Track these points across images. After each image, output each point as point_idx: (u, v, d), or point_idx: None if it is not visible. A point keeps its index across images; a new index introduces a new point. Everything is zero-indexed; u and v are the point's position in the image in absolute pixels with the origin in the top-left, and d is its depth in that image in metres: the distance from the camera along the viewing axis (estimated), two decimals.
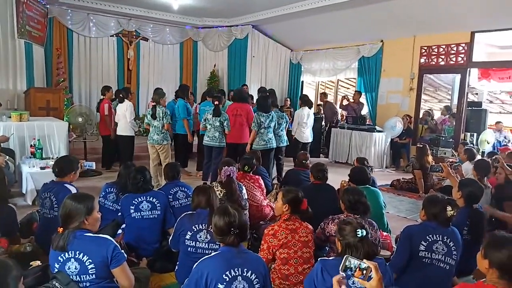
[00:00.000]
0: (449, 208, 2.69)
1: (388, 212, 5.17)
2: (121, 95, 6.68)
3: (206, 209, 2.96)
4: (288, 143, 6.79)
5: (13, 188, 5.22)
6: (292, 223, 2.78)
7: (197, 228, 2.89)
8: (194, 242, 2.87)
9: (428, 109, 9.57)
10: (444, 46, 8.49)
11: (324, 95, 10.66)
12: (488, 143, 8.00)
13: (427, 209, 2.79)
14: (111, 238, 2.33)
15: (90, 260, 2.22)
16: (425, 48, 8.78)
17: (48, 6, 9.20)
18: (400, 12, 8.09)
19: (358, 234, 2.10)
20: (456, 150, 8.03)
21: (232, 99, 7.09)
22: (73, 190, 3.29)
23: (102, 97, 7.49)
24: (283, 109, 9.73)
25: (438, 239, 2.66)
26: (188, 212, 3.05)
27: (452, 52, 8.37)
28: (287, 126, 6.69)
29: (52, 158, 5.45)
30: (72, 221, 2.29)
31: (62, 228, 2.28)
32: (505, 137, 9.17)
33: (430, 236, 2.66)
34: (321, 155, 10.04)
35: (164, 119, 5.87)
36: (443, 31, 8.30)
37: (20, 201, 5.00)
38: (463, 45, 8.18)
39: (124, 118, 6.50)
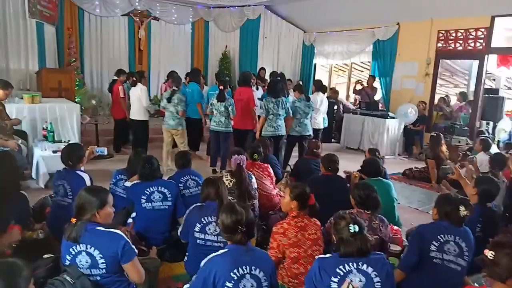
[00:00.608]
0: (462, 208, 2.64)
1: (399, 203, 5.10)
2: (134, 78, 6.63)
3: (215, 201, 2.96)
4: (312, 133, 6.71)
5: (26, 170, 5.28)
6: (301, 220, 2.75)
7: (206, 221, 2.89)
8: (203, 234, 2.87)
9: (444, 96, 9.34)
10: (462, 31, 8.23)
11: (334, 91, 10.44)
12: (505, 131, 7.84)
13: (439, 208, 2.74)
14: (122, 233, 2.34)
15: (101, 255, 2.23)
16: (443, 32, 8.53)
17: None
18: None
19: (351, 230, 2.13)
20: (471, 139, 7.90)
21: (238, 83, 7.02)
22: (86, 178, 3.31)
23: (115, 77, 7.43)
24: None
25: (450, 239, 2.61)
26: (198, 204, 3.05)
27: (471, 37, 8.11)
28: (311, 115, 6.61)
29: (64, 142, 5.49)
30: (84, 212, 2.31)
31: (75, 219, 2.30)
32: None
33: (442, 236, 2.61)
34: (332, 140, 9.94)
35: (179, 105, 5.88)
36: (461, 15, 8.02)
37: (33, 184, 5.07)
38: (482, 30, 7.92)
39: (138, 102, 6.45)
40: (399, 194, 5.53)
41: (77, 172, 3.30)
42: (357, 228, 2.14)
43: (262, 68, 9.87)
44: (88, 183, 3.24)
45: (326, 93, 7.54)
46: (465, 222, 2.74)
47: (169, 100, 5.94)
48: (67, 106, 6.25)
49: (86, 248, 2.25)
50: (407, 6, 8.46)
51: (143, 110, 6.54)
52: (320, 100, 7.13)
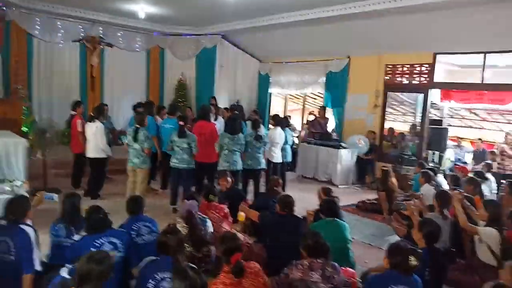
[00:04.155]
0: (411, 258, 2.74)
1: (353, 238, 5.23)
2: (91, 114, 6.37)
3: (170, 256, 2.88)
4: (266, 166, 6.75)
5: None
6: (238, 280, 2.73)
7: (160, 277, 2.79)
8: None
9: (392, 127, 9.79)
10: (408, 66, 8.73)
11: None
12: (450, 161, 8.32)
13: (390, 258, 2.82)
14: None
15: None
16: (390, 66, 9.00)
17: (5, 8, 8.73)
18: (366, 31, 8.26)
19: None
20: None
21: (197, 116, 7.05)
22: (31, 232, 3.10)
23: (72, 112, 7.14)
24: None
25: None
26: (152, 258, 2.97)
27: (416, 72, 8.61)
28: (265, 149, 6.64)
29: (9, 181, 5.16)
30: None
31: None
32: (465, 154, 9.58)
33: (393, 286, 2.70)
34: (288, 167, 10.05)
35: (145, 142, 5.75)
36: (407, 51, 8.53)
37: None
38: (426, 65, 8.43)
39: (94, 139, 6.21)
40: (353, 228, 5.64)
41: (20, 226, 3.10)
42: None
43: (213, 97, 9.96)
44: (33, 238, 3.06)
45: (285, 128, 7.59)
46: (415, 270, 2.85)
47: (134, 138, 5.79)
48: (13, 141, 5.86)
49: None
50: (357, 42, 8.88)
51: (100, 147, 6.30)
52: (279, 134, 7.22)
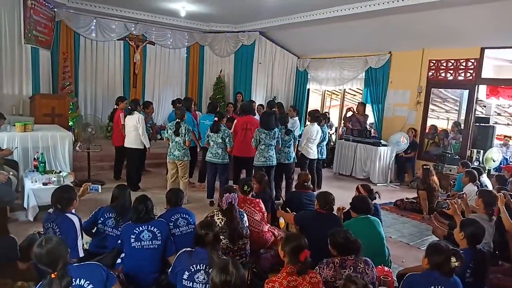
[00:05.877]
0: (453, 259, 2.65)
1: (390, 237, 5.13)
2: (130, 107, 6.59)
3: (206, 248, 2.92)
4: (296, 160, 6.71)
5: (16, 200, 5.20)
6: (295, 279, 2.62)
7: (195, 269, 2.85)
8: (191, 282, 2.83)
9: (434, 124, 9.44)
10: (453, 61, 8.38)
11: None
12: (494, 161, 7.90)
13: (430, 258, 2.74)
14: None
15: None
16: (434, 61, 8.67)
17: (55, 9, 9.19)
18: (409, 25, 7.99)
19: None
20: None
21: (240, 112, 7.13)
22: (75, 220, 3.27)
23: (115, 106, 7.46)
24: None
25: None
26: (187, 249, 3.01)
27: (461, 67, 8.25)
28: (295, 143, 6.59)
29: (55, 172, 5.45)
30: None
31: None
32: None
33: (432, 287, 2.62)
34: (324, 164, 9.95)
35: (186, 136, 5.90)
36: (452, 46, 8.19)
37: (21, 216, 5.00)
38: (472, 60, 8.06)
39: (134, 130, 6.41)
40: (390, 227, 5.59)
41: (66, 214, 3.26)
42: None
43: (239, 93, 10.09)
44: (77, 226, 3.21)
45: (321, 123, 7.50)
46: (456, 270, 2.74)
47: (176, 132, 5.93)
48: (60, 135, 6.22)
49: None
50: (399, 36, 8.62)
51: (140, 139, 6.48)
52: (316, 131, 7.14)
